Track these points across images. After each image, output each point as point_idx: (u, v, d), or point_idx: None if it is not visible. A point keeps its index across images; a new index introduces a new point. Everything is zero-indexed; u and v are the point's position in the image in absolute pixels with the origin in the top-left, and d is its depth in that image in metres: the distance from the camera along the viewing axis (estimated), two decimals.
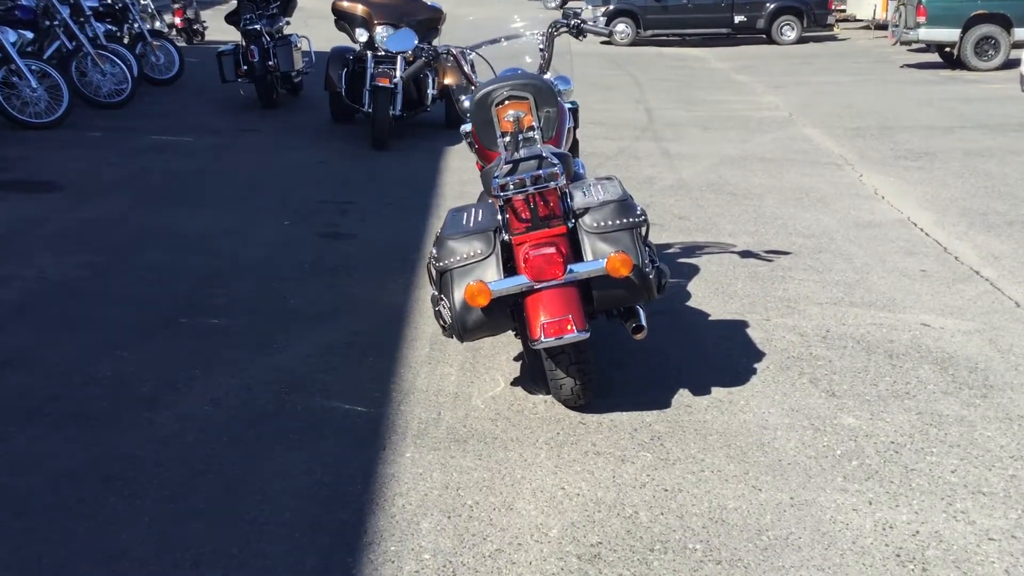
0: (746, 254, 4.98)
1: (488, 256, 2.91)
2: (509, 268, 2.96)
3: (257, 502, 2.64)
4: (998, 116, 9.54)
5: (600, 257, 2.86)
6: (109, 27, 10.97)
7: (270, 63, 9.40)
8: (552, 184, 2.87)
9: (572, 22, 3.69)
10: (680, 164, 7.45)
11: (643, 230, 2.98)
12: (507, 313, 2.93)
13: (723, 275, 4.63)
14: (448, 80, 8.03)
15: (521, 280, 2.85)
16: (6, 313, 4.16)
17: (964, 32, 13.83)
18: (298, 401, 3.24)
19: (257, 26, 9.38)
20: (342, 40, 8.84)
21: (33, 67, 8.20)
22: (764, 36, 19.68)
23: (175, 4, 16.77)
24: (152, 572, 2.34)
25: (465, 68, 3.81)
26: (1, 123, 8.11)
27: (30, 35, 9.16)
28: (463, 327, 2.91)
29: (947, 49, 14.36)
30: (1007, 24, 13.76)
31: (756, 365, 3.56)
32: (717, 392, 3.31)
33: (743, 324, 3.98)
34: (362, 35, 8.33)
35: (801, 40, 19.59)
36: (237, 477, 2.77)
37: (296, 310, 4.15)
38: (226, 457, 2.88)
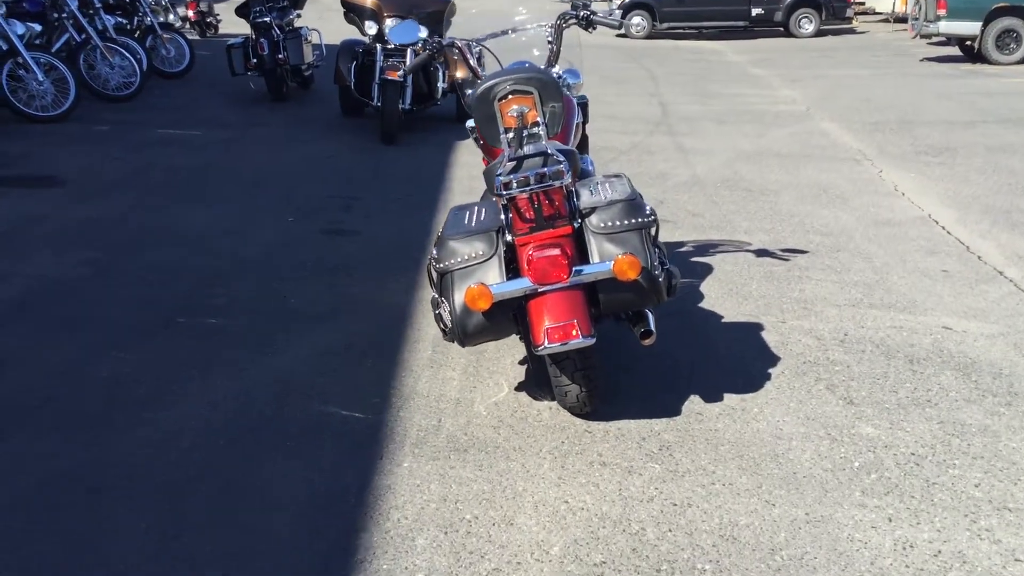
0: (762, 253, 4.84)
1: (490, 257, 2.79)
2: (512, 270, 2.84)
3: (250, 512, 2.54)
4: (1020, 111, 9.32)
5: (607, 259, 2.74)
6: (119, 20, 10.91)
7: (280, 56, 9.31)
8: (557, 183, 2.74)
9: (581, 13, 3.56)
10: (695, 159, 7.30)
11: (652, 230, 2.85)
12: (510, 317, 2.81)
13: (738, 275, 4.49)
14: (459, 74, 7.91)
15: (524, 283, 2.72)
16: (5, 311, 4.07)
17: (985, 25, 13.56)
18: (296, 406, 3.14)
19: (267, 19, 9.28)
20: (354, 33, 8.72)
21: (40, 60, 8.13)
22: (782, 29, 19.45)
23: None
24: None
25: (471, 61, 3.69)
26: (7, 116, 8.05)
27: (38, 28, 9.10)
28: (464, 332, 2.79)
29: (968, 42, 14.10)
30: None
31: (771, 370, 3.42)
32: (729, 399, 3.18)
33: (758, 327, 3.85)
34: (371, 28, 8.21)
35: (819, 33, 19.34)
36: (231, 485, 2.67)
37: (296, 310, 4.04)
38: (221, 464, 2.78)
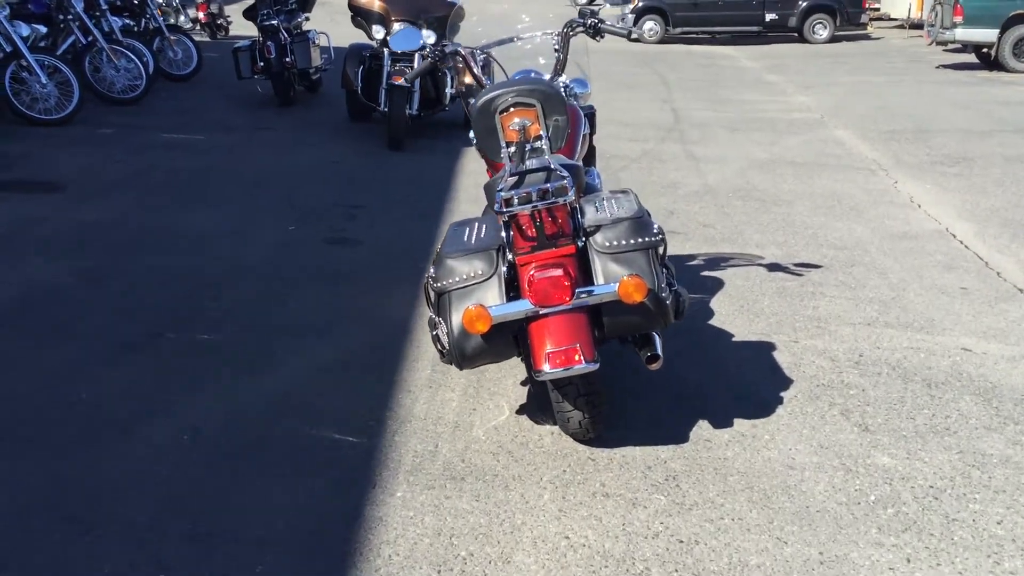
0: (774, 267, 4.70)
1: (490, 277, 2.66)
2: (513, 289, 2.71)
3: (230, 547, 2.41)
4: None
5: (612, 280, 2.60)
6: (126, 21, 10.83)
7: (287, 59, 9.21)
8: (560, 199, 2.61)
9: (589, 21, 3.42)
10: (706, 168, 7.16)
11: (660, 250, 2.71)
12: (510, 340, 2.68)
13: (749, 290, 4.35)
14: (468, 79, 7.79)
15: (525, 305, 2.60)
16: None
17: (1002, 32, 13.37)
18: (286, 429, 3.01)
19: (274, 22, 9.19)
20: (364, 37, 8.61)
21: (44, 62, 8.05)
22: (796, 35, 19.26)
23: None
24: None
25: (475, 69, 3.56)
26: (9, 119, 7.96)
27: (44, 29, 9.02)
28: (461, 355, 2.67)
29: (984, 50, 13.90)
30: None
31: (783, 394, 3.28)
32: (739, 424, 3.04)
33: (769, 346, 3.71)
34: (379, 32, 8.10)
35: (834, 39, 19.13)
36: (210, 516, 2.55)
37: (291, 324, 3.92)
38: (200, 494, 2.65)
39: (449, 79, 7.98)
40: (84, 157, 7.10)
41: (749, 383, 3.38)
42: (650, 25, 19.00)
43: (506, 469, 2.78)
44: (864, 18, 19.56)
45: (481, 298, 2.64)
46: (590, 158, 3.89)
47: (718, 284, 4.45)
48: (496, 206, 2.63)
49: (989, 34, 13.48)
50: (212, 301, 4.18)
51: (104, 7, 9.75)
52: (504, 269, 2.69)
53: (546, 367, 2.56)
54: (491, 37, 3.77)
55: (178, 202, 5.95)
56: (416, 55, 7.51)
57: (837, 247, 5.07)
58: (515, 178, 2.71)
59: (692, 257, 4.87)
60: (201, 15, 16.49)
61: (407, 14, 8.02)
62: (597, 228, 2.68)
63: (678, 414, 3.12)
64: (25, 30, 8.33)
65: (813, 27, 19.14)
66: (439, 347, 2.76)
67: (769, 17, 19.10)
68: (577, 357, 2.55)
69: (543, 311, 2.59)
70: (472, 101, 3.63)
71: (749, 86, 12.32)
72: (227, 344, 3.70)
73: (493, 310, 2.57)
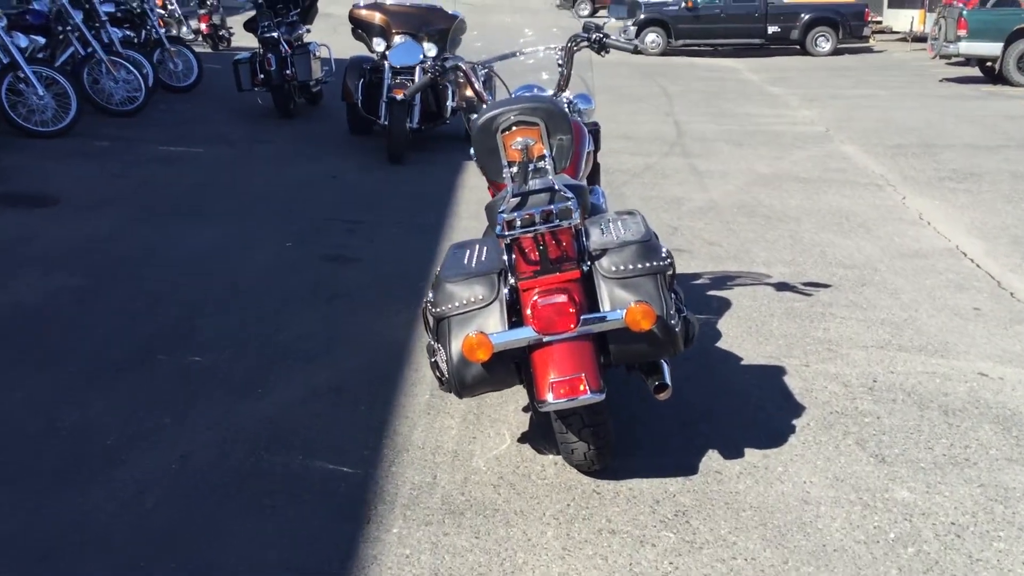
0: (782, 287, 4.58)
1: (491, 303, 2.55)
2: (516, 312, 2.60)
3: None
4: None
5: (619, 307, 2.49)
6: (127, 33, 10.76)
7: (287, 72, 9.14)
8: (565, 223, 2.50)
9: (593, 36, 3.31)
10: (710, 183, 7.06)
11: (668, 275, 2.60)
12: (511, 368, 2.57)
13: (757, 311, 4.24)
14: (468, 92, 7.69)
15: (527, 332, 2.48)
16: None
17: (1007, 46, 13.30)
18: (276, 459, 2.89)
19: (275, 34, 9.11)
20: (365, 49, 8.52)
21: (42, 74, 7.96)
22: (798, 47, 19.21)
23: (201, 10, 16.65)
24: None
25: (476, 85, 3.45)
26: (5, 131, 7.86)
27: (42, 40, 8.94)
28: (461, 383, 2.55)
29: (988, 63, 13.83)
30: None
31: (795, 421, 3.16)
32: (751, 455, 2.92)
33: (779, 370, 3.59)
34: (379, 44, 8.01)
35: (836, 52, 19.10)
36: (196, 555, 2.42)
37: (286, 346, 3.80)
38: (187, 528, 2.53)
39: (450, 92, 7.89)
40: (80, 170, 7.00)
41: (759, 410, 3.26)
42: (652, 37, 18.96)
43: (507, 503, 2.66)
44: (866, 31, 19.53)
45: (482, 324, 2.53)
46: (594, 176, 3.78)
47: (725, 304, 4.34)
48: (498, 228, 2.52)
49: (993, 48, 13.41)
50: (205, 321, 4.06)
51: (104, 18, 9.67)
52: (506, 293, 2.58)
53: (550, 397, 2.45)
54: (493, 51, 3.66)
55: (174, 217, 5.85)
56: (416, 69, 7.43)
57: (846, 266, 4.95)
58: (517, 199, 2.60)
59: (698, 276, 4.75)
60: (203, 26, 16.45)
61: (408, 27, 7.94)
62: (603, 252, 2.57)
63: (686, 442, 3.00)
64: (23, 41, 8.24)
65: (816, 40, 19.10)
66: (438, 374, 2.65)
67: (772, 30, 19.08)
68: (582, 387, 2.44)
69: (547, 339, 2.48)
70: (473, 116, 3.53)
71: (752, 99, 12.24)
72: (219, 367, 3.58)
73: (494, 338, 2.46)
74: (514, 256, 2.58)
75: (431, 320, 2.65)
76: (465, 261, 2.69)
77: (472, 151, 3.21)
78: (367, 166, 7.55)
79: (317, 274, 4.77)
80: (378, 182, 7.02)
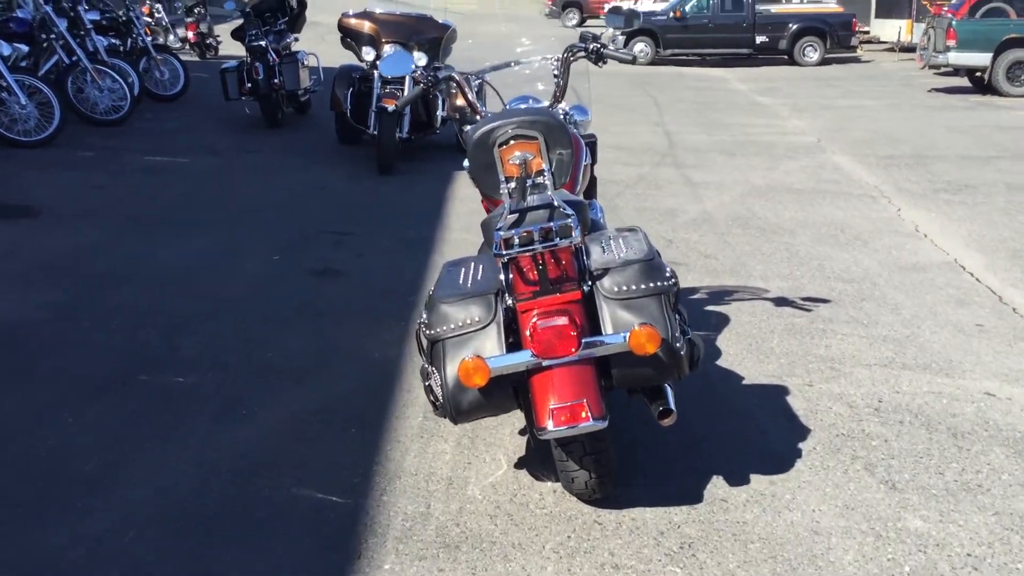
0: (781, 302, 4.49)
1: (487, 325, 2.44)
2: (513, 332, 2.49)
3: None
4: None
5: (622, 329, 2.38)
6: (112, 41, 10.62)
7: (275, 81, 9.02)
8: (565, 241, 2.39)
9: (591, 46, 3.21)
10: (704, 194, 6.97)
11: (672, 295, 2.49)
12: (509, 393, 2.45)
13: (756, 327, 4.14)
14: (459, 101, 7.59)
15: (526, 356, 2.37)
16: None
17: (996, 56, 13.30)
18: (263, 487, 2.76)
19: (262, 43, 9.00)
20: (354, 58, 8.42)
21: (25, 82, 7.81)
22: (786, 57, 19.22)
23: (188, 18, 16.54)
24: None
25: (470, 96, 3.34)
26: None
27: (26, 48, 8.80)
28: (457, 409, 2.43)
29: (977, 73, 13.83)
30: None
31: (800, 445, 3.06)
32: (757, 482, 2.81)
33: (782, 390, 3.49)
34: (369, 54, 7.92)
35: (824, 62, 19.10)
36: None
37: (272, 366, 3.67)
38: (168, 564, 2.40)
39: (440, 101, 7.79)
40: (62, 181, 6.85)
41: (763, 433, 3.15)
42: (640, 47, 18.92)
43: (505, 535, 2.54)
44: (854, 41, 19.56)
45: (478, 347, 2.41)
46: (591, 190, 3.68)
47: (724, 320, 4.24)
48: (494, 247, 2.41)
49: (982, 58, 13.41)
50: (189, 339, 3.93)
51: (89, 26, 9.54)
52: (503, 315, 2.47)
53: (550, 425, 2.34)
54: (488, 59, 3.55)
55: (158, 230, 5.71)
56: (407, 78, 7.32)
57: (845, 280, 4.87)
58: (515, 216, 2.49)
59: (695, 290, 4.65)
60: (190, 34, 16.33)
61: (398, 36, 7.84)
62: (605, 271, 2.46)
63: (690, 468, 2.89)
64: (6, 49, 8.11)
65: (803, 50, 19.11)
66: (432, 399, 2.53)
67: (759, 39, 19.08)
68: (584, 414, 2.33)
69: (546, 363, 2.37)
70: (466, 129, 3.42)
71: (742, 109, 12.19)
72: (203, 388, 3.44)
73: (492, 362, 2.34)
74: (511, 275, 2.47)
75: (425, 342, 2.54)
76: (460, 280, 2.58)
77: (466, 163, 3.10)
78: (356, 176, 7.43)
79: (305, 288, 4.65)
80: (367, 193, 6.90)
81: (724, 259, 5.26)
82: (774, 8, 19.49)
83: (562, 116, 3.29)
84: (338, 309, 4.36)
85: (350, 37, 8.16)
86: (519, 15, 28.42)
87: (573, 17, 28.54)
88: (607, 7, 28.02)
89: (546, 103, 3.27)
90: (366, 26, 7.98)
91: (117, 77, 9.09)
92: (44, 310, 4.26)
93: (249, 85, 8.99)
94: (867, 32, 21.67)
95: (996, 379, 3.62)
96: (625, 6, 25.15)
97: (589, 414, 2.32)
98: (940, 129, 10.13)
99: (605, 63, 3.28)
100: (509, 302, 2.48)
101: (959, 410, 3.34)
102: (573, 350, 2.35)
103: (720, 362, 3.76)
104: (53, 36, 8.92)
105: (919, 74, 16.12)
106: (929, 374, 3.66)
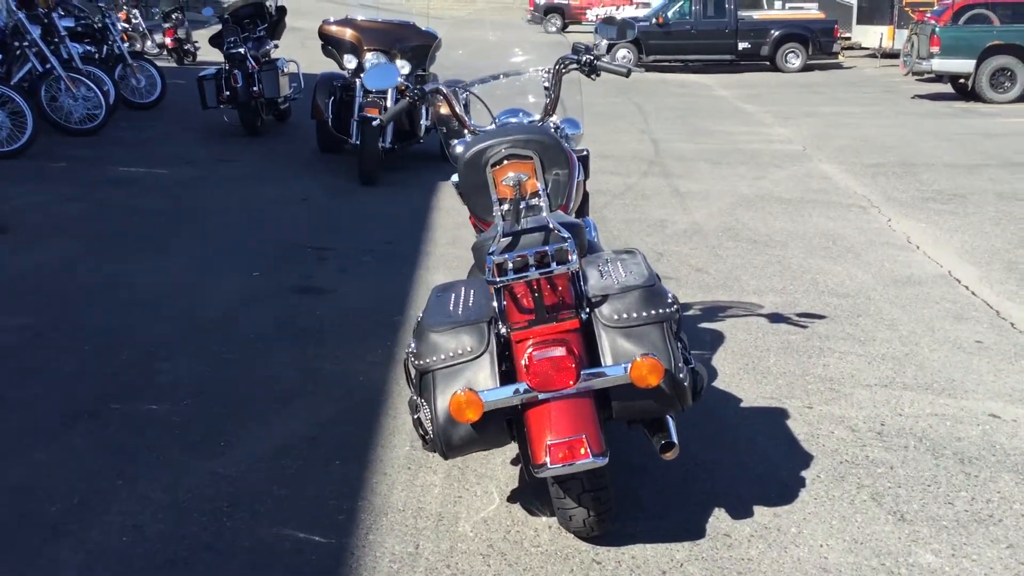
0: (776, 318, 4.38)
1: (480, 355, 2.30)
2: (507, 359, 2.35)
3: None
4: None
5: (622, 360, 2.25)
6: (87, 48, 10.41)
7: (254, 89, 8.85)
8: (562, 268, 2.26)
9: (584, 58, 3.08)
10: (692, 204, 6.87)
11: (675, 322, 2.37)
12: (503, 426, 2.32)
13: (752, 346, 4.03)
14: (444, 110, 7.45)
15: (522, 389, 2.23)
16: None
17: (979, 63, 13.32)
18: (241, 526, 2.60)
19: (241, 50, 8.83)
20: (335, 66, 8.25)
21: None
22: (768, 63, 19.20)
23: (166, 24, 16.31)
24: None
25: (457, 109, 3.20)
26: None
27: None
28: (447, 444, 2.30)
29: (961, 80, 13.85)
30: None
31: (803, 473, 2.94)
32: (760, 514, 2.69)
33: (781, 413, 3.37)
34: (350, 62, 7.76)
35: (806, 68, 19.10)
36: None
37: (252, 392, 3.51)
38: None
39: (424, 110, 7.65)
40: (33, 195, 6.65)
41: (764, 459, 3.03)
42: (623, 53, 18.84)
43: None
44: (836, 47, 19.57)
45: (471, 379, 2.28)
46: (583, 206, 3.55)
47: (718, 338, 4.12)
48: (487, 274, 2.28)
49: (966, 64, 13.43)
50: (163, 364, 3.76)
51: (63, 33, 9.33)
52: (496, 344, 2.33)
53: (547, 461, 2.21)
54: (477, 69, 3.40)
55: (133, 246, 5.52)
56: (390, 88, 7.17)
57: (839, 294, 4.76)
58: (508, 239, 2.35)
59: (688, 306, 4.53)
60: (168, 40, 16.11)
61: (380, 44, 7.70)
62: (604, 298, 2.33)
63: (690, 499, 2.77)
64: None
65: (786, 56, 19.10)
66: (421, 432, 2.39)
67: (742, 46, 19.05)
68: (583, 450, 2.19)
69: (543, 396, 2.24)
70: (453, 142, 3.28)
71: (727, 116, 12.13)
72: (178, 417, 3.28)
73: (485, 395, 2.21)
74: (505, 302, 2.34)
75: (414, 372, 2.40)
76: (451, 307, 2.44)
77: (454, 178, 2.96)
78: (338, 188, 7.27)
79: (286, 307, 4.49)
80: (350, 205, 6.75)
81: (716, 273, 5.15)
82: (756, 14, 19.49)
83: (553, 130, 3.16)
84: (321, 329, 4.20)
85: (331, 45, 8.00)
86: (499, 21, 28.32)
87: (555, 22, 28.46)
88: (589, 12, 28.04)
89: (537, 116, 3.14)
90: (347, 33, 7.83)
91: (92, 85, 8.89)
92: (10, 334, 4.08)
93: (227, 93, 8.81)
94: (849, 38, 21.70)
95: (1000, 399, 3.52)
96: (606, 12, 25.16)
97: (588, 450, 2.20)
98: (926, 136, 10.09)
99: (599, 76, 3.15)
100: (503, 330, 2.34)
101: (964, 433, 3.23)
102: (571, 383, 2.22)
103: (717, 383, 3.64)
104: (26, 44, 8.69)
105: (902, 80, 16.14)
106: (931, 395, 3.55)
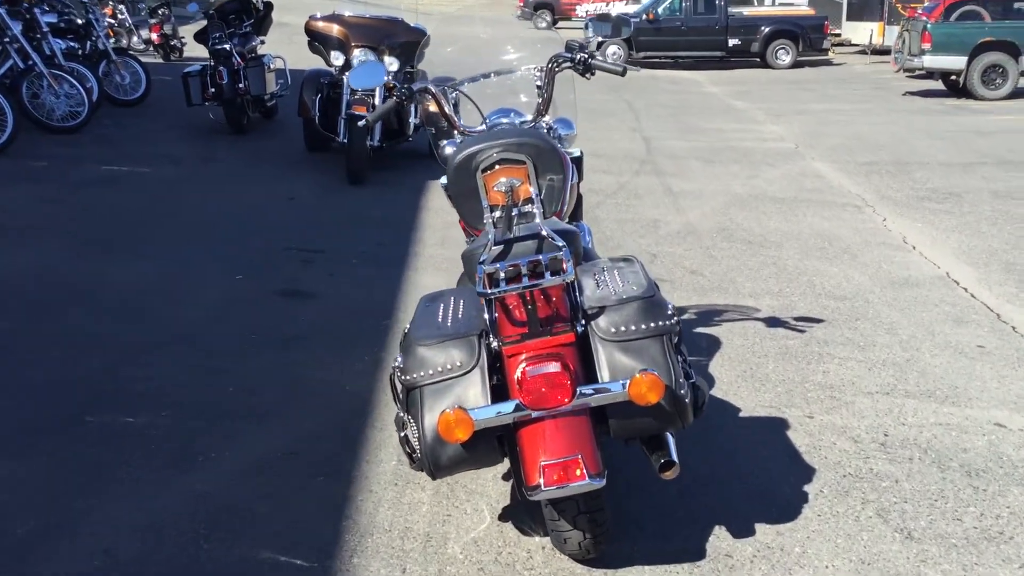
0: (773, 322, 4.27)
1: (470, 370, 2.18)
2: (498, 371, 2.23)
3: None
4: (1019, 152, 8.92)
5: (620, 376, 2.14)
6: (70, 44, 10.21)
7: (240, 86, 8.68)
8: (556, 279, 2.14)
9: (578, 56, 2.96)
10: (685, 204, 6.76)
11: (675, 335, 2.25)
12: (494, 445, 2.21)
13: (749, 351, 3.92)
14: (433, 108, 7.31)
15: (514, 407, 2.12)
16: None
17: (971, 60, 13.26)
18: (218, 548, 2.48)
19: (226, 46, 8.66)
20: (323, 62, 8.10)
21: None
22: (758, 60, 19.13)
23: (152, 20, 16.11)
24: None
25: (446, 108, 3.07)
26: None
27: None
28: (435, 464, 2.18)
29: (952, 77, 13.79)
30: (1015, 52, 13.20)
31: (806, 487, 2.84)
32: (763, 532, 2.58)
33: (781, 424, 3.27)
34: (338, 58, 7.62)
35: (796, 64, 19.04)
36: None
37: (233, 403, 3.37)
38: None
39: (413, 107, 7.51)
40: (12, 194, 6.49)
41: (765, 473, 2.93)
42: (613, 49, 18.73)
43: None
44: (826, 44, 19.52)
45: (460, 396, 2.16)
46: (577, 209, 3.43)
47: (715, 344, 4.01)
48: (478, 285, 2.16)
49: (957, 61, 13.37)
50: (142, 371, 3.62)
51: (45, 29, 9.13)
52: (486, 358, 2.21)
53: (541, 483, 2.09)
54: (467, 66, 3.27)
55: (111, 247, 5.37)
56: (377, 88, 7.03)
57: (837, 297, 4.66)
58: (500, 248, 2.23)
59: (683, 310, 4.42)
60: (154, 36, 15.90)
61: (368, 40, 7.56)
62: (600, 310, 2.22)
63: (689, 517, 2.66)
64: None
65: (776, 52, 19.04)
66: (408, 451, 2.27)
67: (732, 42, 18.98)
68: (579, 472, 2.08)
69: (537, 414, 2.12)
70: (442, 143, 3.16)
71: (718, 113, 12.03)
72: (154, 430, 3.14)
73: (475, 413, 2.09)
74: (496, 314, 2.22)
75: (400, 388, 2.28)
76: (439, 319, 2.32)
77: (443, 179, 2.84)
78: (325, 187, 7.14)
79: (269, 314, 4.35)
80: (337, 205, 6.61)
81: (711, 275, 5.04)
82: (746, 11, 19.40)
83: (546, 130, 3.05)
84: (306, 335, 4.08)
85: (318, 41, 7.85)
86: (489, 16, 28.18)
87: (545, 18, 28.31)
88: (579, 8, 27.88)
89: (529, 116, 3.01)
90: (334, 29, 7.69)
91: (75, 82, 8.70)
92: None
93: (213, 90, 8.64)
94: (838, 35, 21.65)
95: (1004, 407, 3.42)
96: (596, 8, 25.02)
97: (585, 471, 2.08)
98: (919, 134, 10.02)
99: (593, 75, 3.03)
100: (494, 343, 2.22)
101: (970, 444, 3.13)
102: (566, 400, 2.11)
103: (715, 391, 3.53)
104: (7, 40, 8.50)
105: (893, 77, 16.07)
106: (934, 402, 3.46)
